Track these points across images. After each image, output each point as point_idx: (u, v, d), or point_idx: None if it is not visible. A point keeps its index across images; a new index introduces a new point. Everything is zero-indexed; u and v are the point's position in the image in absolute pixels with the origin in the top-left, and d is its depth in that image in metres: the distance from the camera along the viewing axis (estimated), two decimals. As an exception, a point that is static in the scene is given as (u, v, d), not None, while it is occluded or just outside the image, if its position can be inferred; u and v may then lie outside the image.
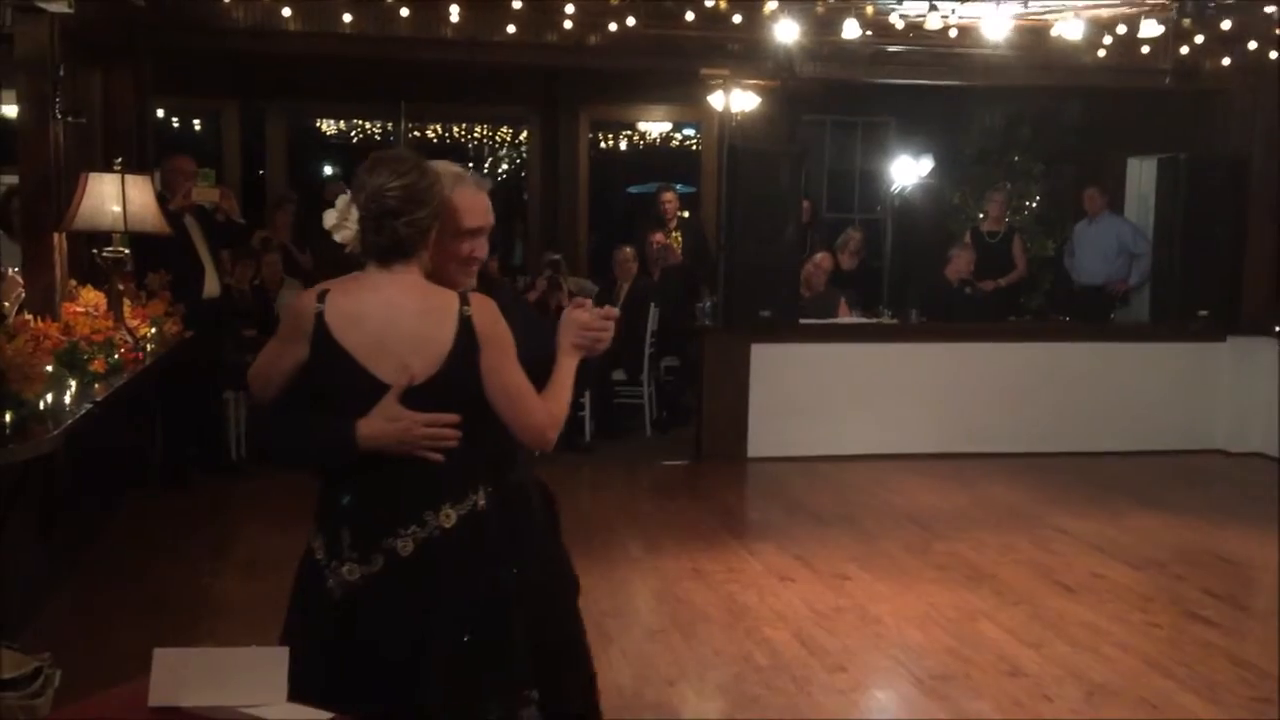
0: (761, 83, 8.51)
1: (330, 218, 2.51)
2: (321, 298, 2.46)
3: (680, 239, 9.62)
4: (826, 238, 10.15)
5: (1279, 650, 4.77)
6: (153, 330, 5.50)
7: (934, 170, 10.35)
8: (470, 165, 16.00)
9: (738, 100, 9.01)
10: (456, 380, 2.45)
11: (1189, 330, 8.48)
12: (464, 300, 2.46)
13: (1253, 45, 7.48)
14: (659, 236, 9.15)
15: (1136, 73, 8.08)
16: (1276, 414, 8.23)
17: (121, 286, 5.43)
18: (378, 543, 2.46)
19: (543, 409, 2.53)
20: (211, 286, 7.01)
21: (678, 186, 10.55)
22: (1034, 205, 10.44)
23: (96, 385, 4.36)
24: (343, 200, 2.50)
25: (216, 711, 2.16)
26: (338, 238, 2.51)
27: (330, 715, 2.16)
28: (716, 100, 9.25)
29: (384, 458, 2.46)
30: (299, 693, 2.18)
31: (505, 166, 15.59)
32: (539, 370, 2.58)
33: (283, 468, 3.06)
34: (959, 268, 8.91)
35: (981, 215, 9.75)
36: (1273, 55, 7.64)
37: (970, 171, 10.81)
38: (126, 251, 5.50)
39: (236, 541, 6.10)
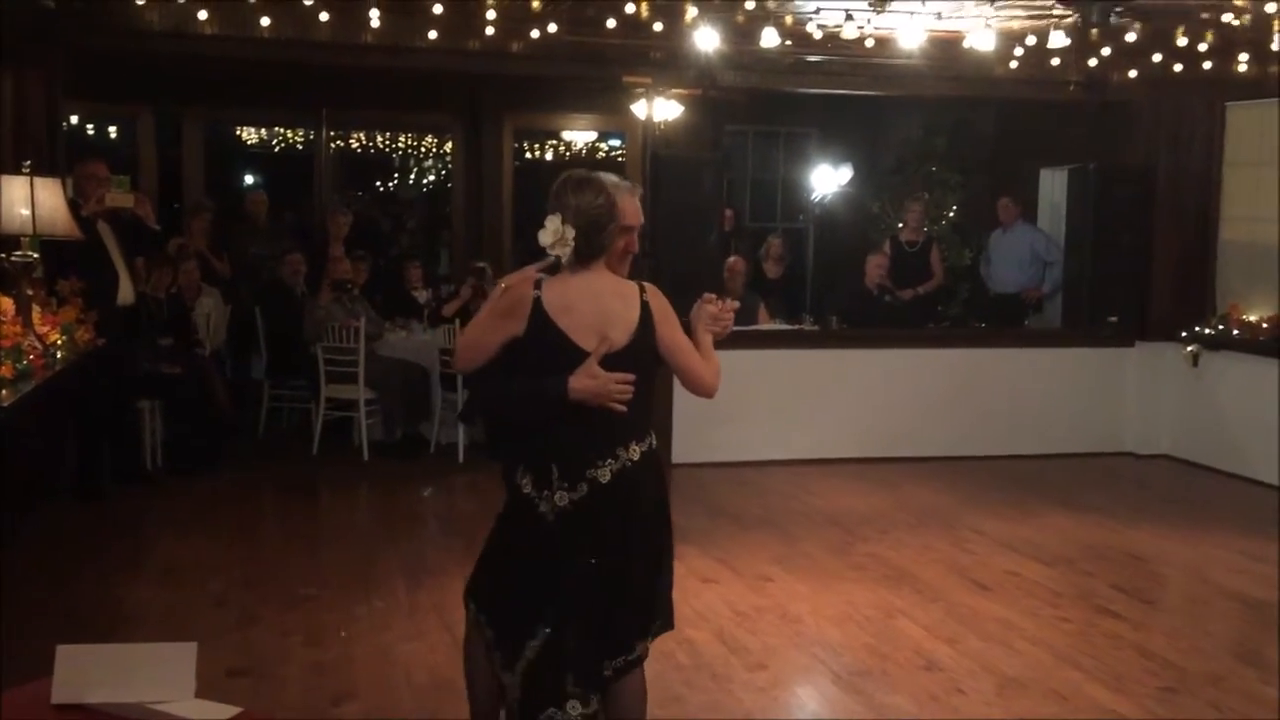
0: (684, 91, 8.60)
1: (547, 237, 3.13)
2: (537, 286, 3.16)
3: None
4: (749, 246, 10.27)
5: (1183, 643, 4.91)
6: (64, 337, 5.39)
7: (854, 180, 10.52)
8: (395, 176, 16.01)
9: (661, 109, 9.09)
10: (640, 349, 3.17)
11: (1099, 336, 8.70)
12: (641, 289, 3.21)
13: (1157, 58, 7.71)
14: None
15: (1047, 84, 8.30)
16: (1182, 417, 8.50)
17: (30, 292, 5.32)
18: (582, 473, 3.13)
19: (706, 365, 3.30)
20: (126, 294, 6.88)
21: (603, 197, 10.57)
22: (951, 215, 10.66)
23: (3, 391, 4.26)
24: (554, 222, 3.13)
25: (122, 709, 2.13)
26: (558, 253, 3.15)
27: (236, 710, 2.15)
28: (639, 109, 9.32)
29: (582, 409, 3.10)
30: (517, 604, 3.18)
31: (431, 178, 15.51)
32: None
33: (496, 421, 3.48)
34: (871, 274, 9.06)
35: (900, 225, 9.92)
36: (1176, 68, 7.90)
37: (889, 181, 11.01)
38: (35, 256, 5.39)
39: (152, 551, 5.99)
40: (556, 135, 12.72)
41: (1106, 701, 4.36)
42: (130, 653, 2.23)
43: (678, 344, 3.26)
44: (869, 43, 7.41)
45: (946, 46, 7.55)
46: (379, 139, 14.35)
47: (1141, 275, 8.66)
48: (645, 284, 3.26)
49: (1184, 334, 8.36)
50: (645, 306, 3.20)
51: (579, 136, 12.39)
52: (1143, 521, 6.94)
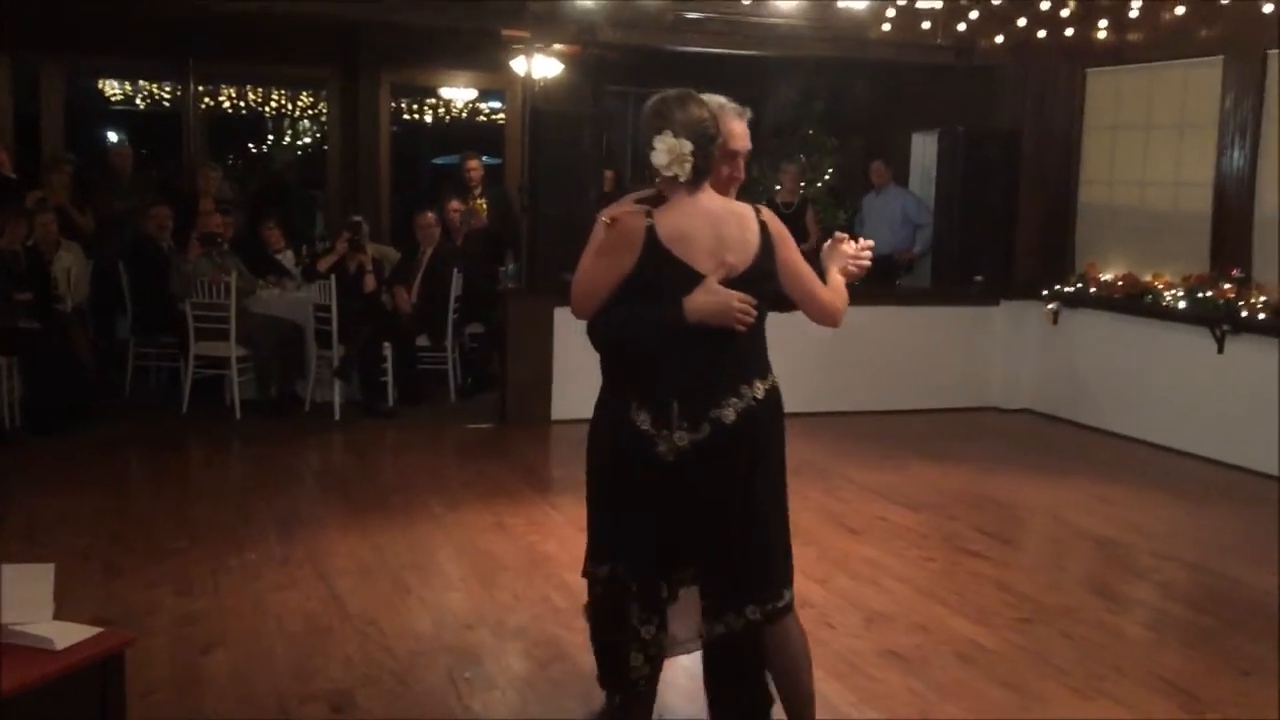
0: (563, 48, 8.57)
1: (662, 157, 2.93)
2: (649, 216, 2.97)
3: (485, 206, 9.58)
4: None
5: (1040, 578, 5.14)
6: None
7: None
8: (269, 138, 15.58)
9: (540, 66, 9.05)
10: (760, 274, 3.02)
11: (966, 295, 8.97)
12: (757, 210, 3.07)
13: (1022, 22, 7.96)
14: (454, 204, 9.04)
15: (918, 48, 8.50)
16: (1043, 373, 8.84)
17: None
18: (705, 413, 2.98)
19: (831, 292, 3.18)
20: (-23, 245, 6.59)
21: (484, 158, 10.49)
22: (827, 178, 10.85)
23: None
24: (666, 139, 2.92)
25: (-24, 630, 2.08)
26: (674, 173, 2.95)
27: (97, 629, 2.11)
28: (519, 65, 9.26)
29: (705, 344, 2.97)
30: (634, 548, 3.04)
31: (306, 140, 15.14)
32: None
33: (615, 348, 3.19)
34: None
35: (777, 187, 10.07)
36: (1040, 34, 8.16)
37: (767, 144, 11.13)
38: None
39: (12, 509, 5.78)
40: (435, 93, 12.54)
41: (967, 632, 4.54)
42: (-16, 575, 2.16)
43: (800, 269, 3.11)
44: (747, 1, 7.49)
45: (822, 7, 7.67)
46: (251, 95, 13.93)
47: (1006, 236, 8.94)
48: (759, 206, 3.11)
49: (1045, 292, 8.69)
50: (764, 229, 3.05)
51: (458, 95, 12.24)
52: (1004, 470, 7.22)
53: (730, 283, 2.98)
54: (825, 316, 3.20)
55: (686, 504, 3.04)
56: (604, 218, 3.14)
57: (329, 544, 5.38)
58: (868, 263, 3.31)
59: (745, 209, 3.08)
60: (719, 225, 3.01)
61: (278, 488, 6.44)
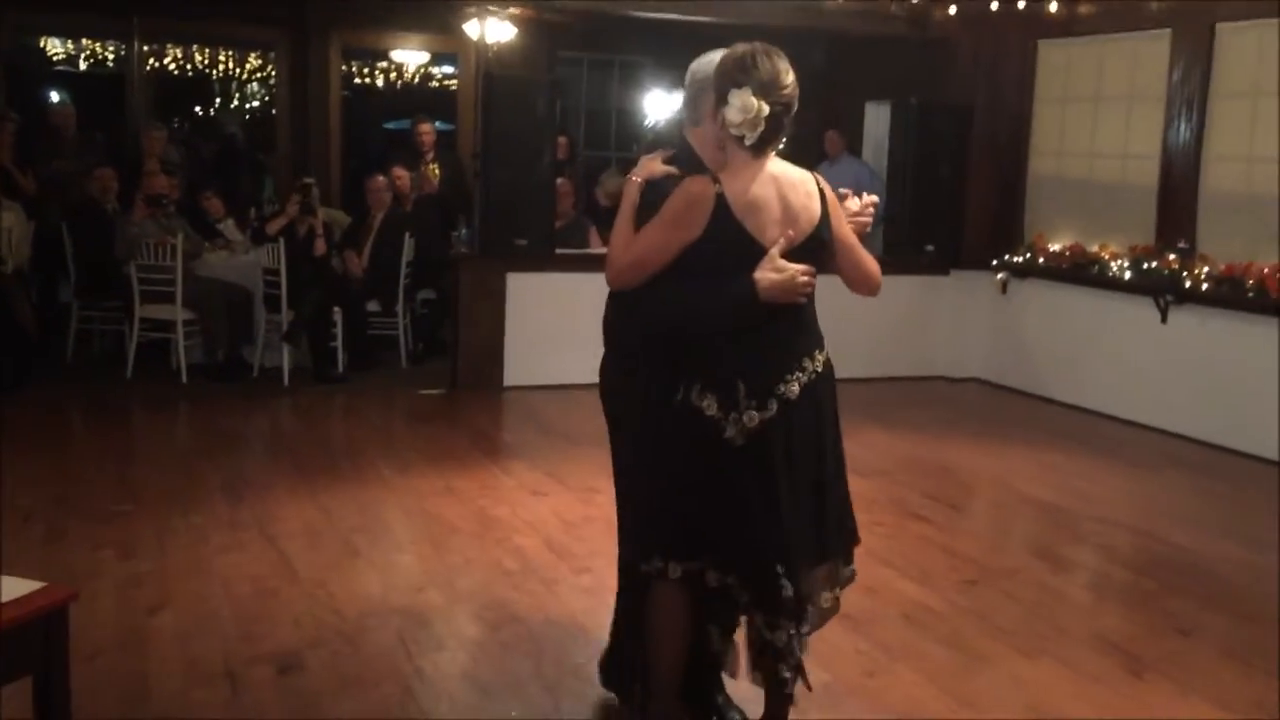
0: (517, 10, 8.48)
1: (735, 114, 2.77)
2: (716, 182, 2.83)
3: (438, 171, 9.49)
4: (583, 174, 10.24)
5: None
6: None
7: (688, 109, 10.57)
8: (216, 99, 15.29)
9: (494, 30, 8.96)
10: (818, 243, 2.93)
11: (917, 265, 9.04)
12: (815, 177, 2.97)
13: (975, -5, 8.00)
14: (398, 171, 8.91)
15: (873, 18, 8.52)
16: (991, 342, 8.94)
17: None
18: (772, 390, 2.87)
19: (873, 260, 3.09)
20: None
21: (436, 123, 10.38)
22: (781, 147, 10.83)
23: None
24: (744, 95, 2.74)
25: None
26: (742, 133, 2.78)
27: (39, 584, 2.08)
28: (472, 29, 9.16)
29: (764, 318, 2.86)
30: (699, 540, 2.90)
31: (255, 104, 14.90)
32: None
33: (675, 329, 3.02)
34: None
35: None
36: (993, 6, 8.20)
37: (720, 113, 11.12)
38: None
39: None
40: (386, 56, 12.37)
41: (913, 594, 4.60)
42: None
43: (850, 237, 3.04)
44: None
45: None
46: (198, 57, 13.67)
47: (957, 207, 9.01)
48: (815, 172, 3.01)
49: (995, 263, 8.77)
50: (822, 195, 2.96)
51: (410, 58, 12.08)
52: (952, 438, 7.31)
53: (789, 253, 2.88)
54: (871, 284, 3.12)
55: (763, 484, 2.90)
56: (635, 177, 3.00)
57: (277, 507, 5.34)
58: (870, 219, 3.23)
59: (806, 175, 2.97)
60: (786, 195, 2.90)
61: (225, 452, 6.37)
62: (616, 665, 3.47)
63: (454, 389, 7.97)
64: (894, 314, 9.01)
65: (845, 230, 3.03)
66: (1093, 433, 7.59)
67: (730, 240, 2.84)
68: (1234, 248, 7.18)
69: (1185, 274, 7.33)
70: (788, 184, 2.91)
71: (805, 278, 2.87)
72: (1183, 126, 7.56)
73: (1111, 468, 6.73)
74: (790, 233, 2.86)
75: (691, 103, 3.10)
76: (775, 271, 2.83)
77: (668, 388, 2.96)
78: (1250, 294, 6.93)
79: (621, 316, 3.14)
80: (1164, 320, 7.52)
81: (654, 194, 2.97)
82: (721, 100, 2.83)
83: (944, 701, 3.68)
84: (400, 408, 7.62)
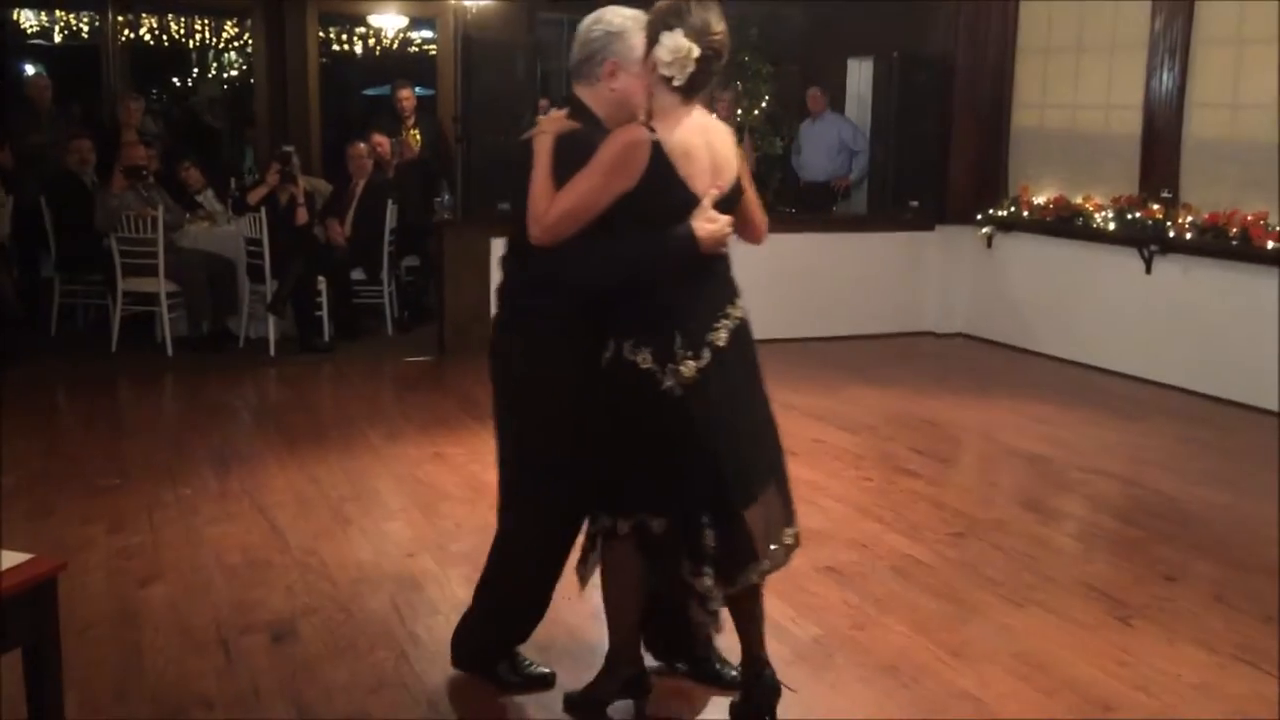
0: (494, -28, 8.38)
1: (666, 54, 2.76)
2: (651, 132, 2.80)
3: (419, 137, 9.42)
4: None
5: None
6: None
7: (668, 69, 10.49)
8: (195, 72, 15.11)
9: (471, -9, 8.86)
10: (736, 193, 2.98)
11: (902, 221, 9.04)
12: (727, 127, 3.01)
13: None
14: (377, 138, 8.83)
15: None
16: (977, 297, 8.95)
17: None
18: (703, 339, 2.89)
19: (763, 210, 3.16)
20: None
21: (416, 88, 10.29)
22: (764, 105, 10.80)
23: None
24: (675, 37, 2.74)
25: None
26: (671, 74, 2.77)
27: (27, 555, 2.08)
28: (450, -9, 9.06)
29: (696, 270, 2.89)
30: (641, 493, 2.90)
31: (233, 72, 14.74)
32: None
33: (618, 284, 2.99)
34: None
35: (712, 114, 9.98)
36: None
37: (703, 72, 11.04)
38: None
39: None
40: (364, 21, 12.25)
41: (902, 547, 4.63)
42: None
43: (750, 188, 3.08)
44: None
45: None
46: (174, 28, 13.51)
47: (941, 162, 8.99)
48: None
49: (979, 217, 8.77)
50: (739, 149, 3.02)
51: (389, 23, 11.96)
52: (939, 392, 7.33)
53: (717, 203, 2.91)
54: (758, 234, 3.17)
55: (693, 437, 2.89)
56: (544, 132, 2.93)
57: (267, 478, 5.33)
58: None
59: (724, 126, 3.01)
60: (713, 143, 2.91)
61: (213, 423, 6.35)
62: (471, 646, 3.44)
63: (441, 355, 7.96)
64: (880, 270, 9.03)
65: (748, 180, 3.09)
66: (1079, 384, 7.63)
67: (665, 188, 2.83)
68: (1218, 196, 7.19)
69: (1169, 224, 7.34)
70: (714, 132, 2.94)
71: (730, 228, 2.95)
72: (1165, 75, 7.53)
73: (1097, 418, 6.77)
74: (720, 183, 2.91)
75: (586, 61, 3.04)
76: (709, 221, 2.87)
77: (593, 345, 2.95)
78: (1234, 242, 6.94)
79: (543, 271, 3.02)
80: (1148, 270, 7.53)
81: (569, 148, 2.91)
82: (653, 43, 2.83)
83: (934, 652, 3.71)
84: (388, 375, 7.61)
